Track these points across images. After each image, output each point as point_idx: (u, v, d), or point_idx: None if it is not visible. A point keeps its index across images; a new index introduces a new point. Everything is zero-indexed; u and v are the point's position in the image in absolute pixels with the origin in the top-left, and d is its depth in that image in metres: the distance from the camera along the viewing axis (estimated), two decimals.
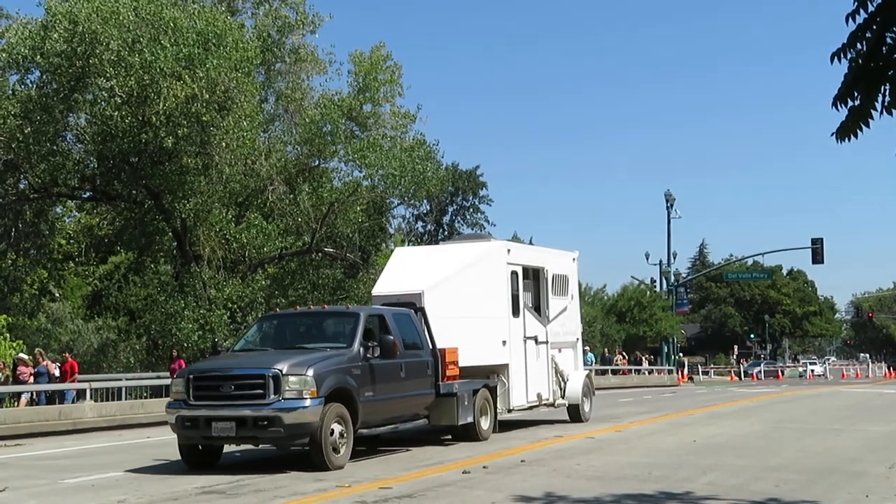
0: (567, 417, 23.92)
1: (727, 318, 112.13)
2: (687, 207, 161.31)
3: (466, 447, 18.27)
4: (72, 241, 49.75)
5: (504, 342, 20.85)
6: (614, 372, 55.50)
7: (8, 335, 31.01)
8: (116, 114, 34.71)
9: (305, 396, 14.80)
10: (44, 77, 36.15)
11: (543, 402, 22.65)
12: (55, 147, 36.77)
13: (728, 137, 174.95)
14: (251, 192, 39.83)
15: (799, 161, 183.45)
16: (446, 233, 77.00)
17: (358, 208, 41.15)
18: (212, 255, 38.03)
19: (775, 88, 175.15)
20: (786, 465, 15.31)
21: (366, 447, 17.79)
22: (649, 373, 60.39)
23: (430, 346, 18.35)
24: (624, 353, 64.52)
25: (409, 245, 58.80)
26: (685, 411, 29.04)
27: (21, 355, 27.42)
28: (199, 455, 16.01)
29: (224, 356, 17.22)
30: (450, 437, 19.49)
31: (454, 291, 19.71)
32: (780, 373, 79.11)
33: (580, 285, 78.36)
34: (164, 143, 34.41)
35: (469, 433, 19.14)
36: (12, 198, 40.43)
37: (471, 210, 78.14)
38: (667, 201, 69.08)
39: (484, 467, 15.08)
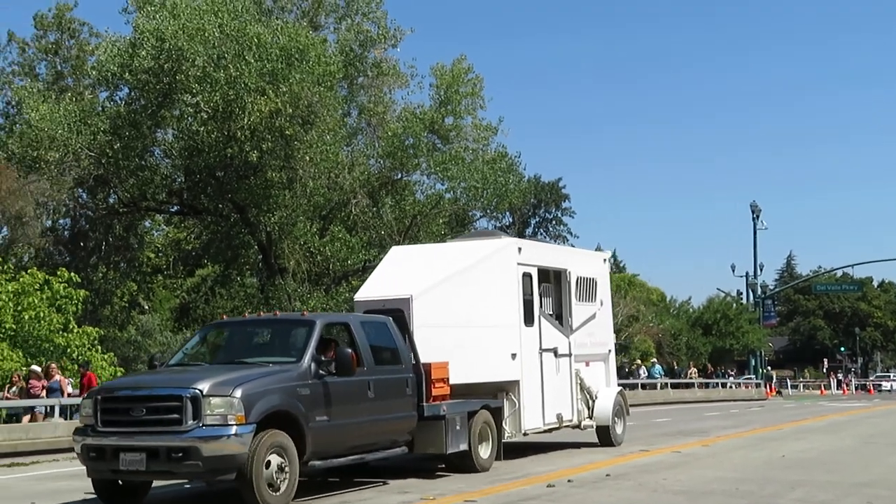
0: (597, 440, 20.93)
1: (816, 331, 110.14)
2: (774, 218, 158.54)
3: (547, 460, 18.14)
4: (160, 254, 50.70)
5: (514, 355, 17.92)
6: (700, 385, 54.79)
7: (99, 347, 31.58)
8: (202, 129, 35.35)
9: (231, 422, 12.19)
10: (132, 94, 37.02)
11: (565, 424, 19.60)
12: (143, 162, 37.57)
13: (816, 152, 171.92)
14: (335, 205, 40.15)
15: (888, 171, 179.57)
16: None
17: (440, 221, 41.23)
18: (296, 267, 38.40)
19: (863, 103, 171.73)
20: (877, 482, 14.92)
21: (339, 478, 15.42)
22: (736, 386, 59.53)
23: (413, 361, 15.57)
24: (710, 366, 63.71)
25: None
26: (773, 426, 28.51)
27: (34, 368, 26.49)
28: (117, 490, 13.40)
29: (152, 372, 14.89)
30: (443, 465, 16.72)
31: (452, 296, 16.92)
32: (871, 387, 77.42)
33: (665, 296, 77.80)
34: (248, 157, 34.90)
35: (464, 463, 16.32)
36: (103, 212, 41.42)
37: (553, 222, 77.94)
38: (753, 212, 68.14)
39: (569, 481, 14.92)
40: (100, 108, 37.84)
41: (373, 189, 40.59)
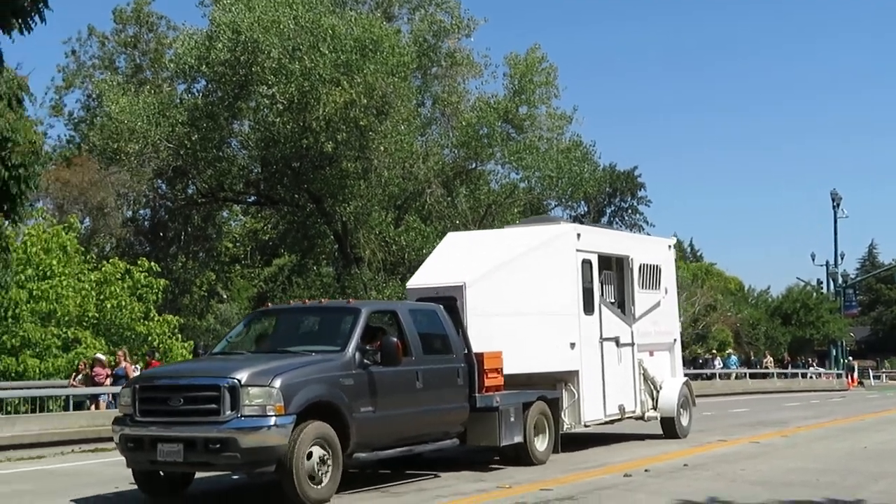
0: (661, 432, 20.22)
1: None
2: (855, 207, 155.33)
3: (626, 449, 18.02)
4: (238, 244, 51.35)
5: (572, 344, 17.30)
6: (779, 376, 54.05)
7: (179, 335, 32.08)
8: (278, 120, 35.69)
9: (270, 413, 11.85)
10: (209, 86, 37.51)
11: (628, 415, 19.00)
12: (221, 153, 38.06)
13: (890, 140, 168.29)
14: (409, 194, 40.28)
15: None
16: None
17: (515, 210, 41.12)
18: (372, 257, 38.62)
19: None
20: None
21: (391, 470, 15.14)
22: (816, 376, 58.65)
23: (465, 350, 15.03)
24: (787, 356, 62.81)
25: None
26: (855, 416, 28.04)
27: (99, 356, 26.33)
28: (159, 481, 13.23)
29: (193, 360, 14.36)
30: (497, 458, 16.15)
31: (507, 283, 16.33)
32: None
33: (743, 285, 76.80)
34: (324, 147, 35.13)
35: (519, 455, 15.78)
36: (181, 202, 42.06)
37: (629, 211, 77.33)
38: (833, 200, 66.99)
39: (646, 471, 14.83)
40: (178, 101, 38.38)
41: (447, 178, 40.62)
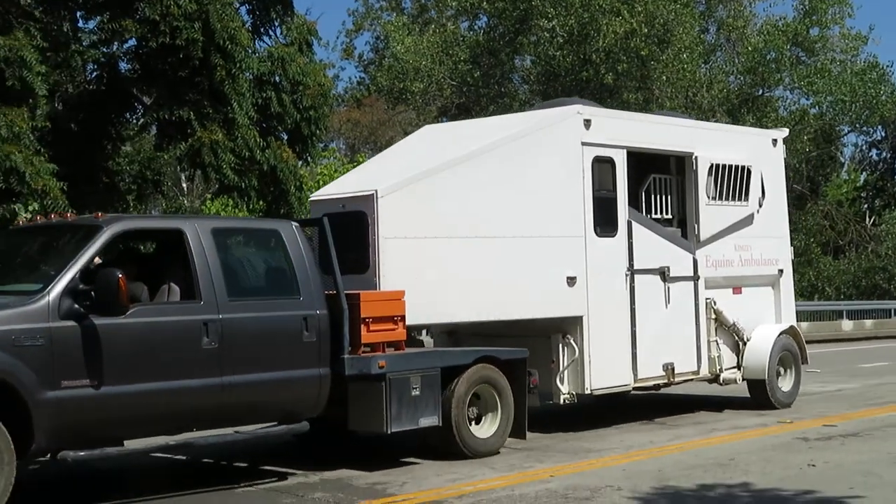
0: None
1: None
2: None
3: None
4: None
5: (572, 279, 11.98)
6: None
7: None
8: (558, 53, 35.82)
9: None
10: (490, 22, 38.01)
11: (683, 377, 13.46)
12: (503, 89, 38.56)
13: None
14: None
15: None
16: None
17: (805, 137, 39.73)
18: None
19: None
20: None
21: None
22: None
23: (332, 290, 9.79)
24: None
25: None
26: None
27: None
28: None
29: None
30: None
31: (456, 194, 11.07)
32: None
33: None
34: (604, 79, 34.99)
35: (447, 443, 10.53)
36: None
37: None
38: None
39: None
40: (460, 38, 39.16)
41: (733, 107, 39.65)
